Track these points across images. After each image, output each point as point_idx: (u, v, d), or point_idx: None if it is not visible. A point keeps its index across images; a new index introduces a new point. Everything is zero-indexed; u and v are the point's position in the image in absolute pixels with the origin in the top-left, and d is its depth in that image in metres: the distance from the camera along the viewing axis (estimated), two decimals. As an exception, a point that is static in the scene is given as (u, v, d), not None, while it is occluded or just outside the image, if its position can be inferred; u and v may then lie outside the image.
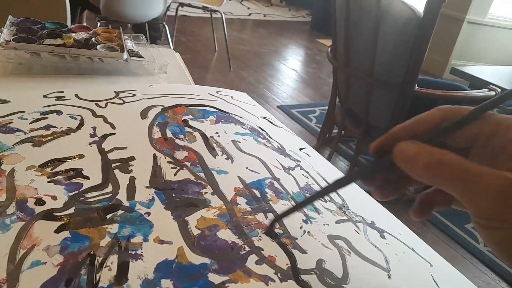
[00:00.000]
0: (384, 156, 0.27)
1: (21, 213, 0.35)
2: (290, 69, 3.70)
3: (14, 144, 0.44)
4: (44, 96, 0.55)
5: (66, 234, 0.34)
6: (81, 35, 0.65)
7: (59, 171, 0.41)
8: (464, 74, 2.23)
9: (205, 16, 4.38)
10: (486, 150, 0.25)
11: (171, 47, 1.99)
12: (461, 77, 2.27)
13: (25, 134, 0.46)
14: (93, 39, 0.65)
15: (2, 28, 0.62)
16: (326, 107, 2.23)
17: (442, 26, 1.49)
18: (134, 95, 0.60)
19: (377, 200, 0.38)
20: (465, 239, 1.76)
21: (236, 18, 4.93)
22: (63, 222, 0.35)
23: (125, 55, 0.66)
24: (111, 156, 0.45)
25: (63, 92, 0.57)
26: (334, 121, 2.09)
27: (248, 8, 5.44)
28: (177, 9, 3.24)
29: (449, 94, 1.59)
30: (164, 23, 2.74)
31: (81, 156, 0.44)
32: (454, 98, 1.59)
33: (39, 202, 0.37)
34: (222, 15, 3.20)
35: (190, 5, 3.11)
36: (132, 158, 0.45)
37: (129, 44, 0.70)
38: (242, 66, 3.47)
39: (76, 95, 0.57)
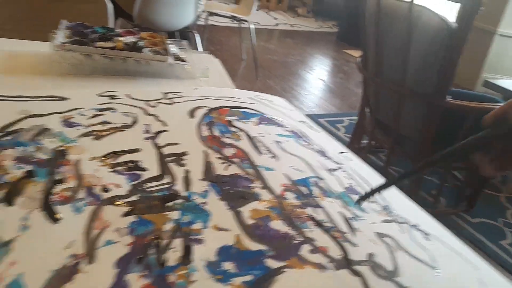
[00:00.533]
0: (501, 124, 0.27)
1: (90, 198, 0.38)
2: (316, 78, 3.71)
3: (76, 137, 0.47)
4: (99, 95, 0.59)
5: (132, 218, 0.36)
6: (130, 39, 0.69)
7: (119, 162, 0.44)
8: (497, 87, 2.19)
9: (233, 25, 4.45)
10: None
11: (202, 54, 2.03)
12: (494, 90, 2.23)
13: (85, 128, 0.49)
14: (141, 43, 0.69)
15: (56, 31, 0.67)
16: (354, 117, 2.23)
17: (473, 39, 1.49)
18: (180, 96, 0.63)
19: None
20: (501, 256, 1.72)
21: (263, 28, 4.99)
22: (129, 208, 0.38)
23: (170, 58, 0.69)
24: (165, 151, 0.48)
25: (115, 91, 0.61)
26: (364, 131, 2.08)
27: (275, 19, 5.49)
28: (206, 18, 3.31)
29: (481, 106, 1.57)
30: (194, 31, 2.81)
31: (137, 150, 0.47)
32: (487, 110, 1.56)
33: (105, 189, 0.40)
34: (250, 25, 3.24)
35: (218, 15, 3.18)
36: (184, 153, 0.48)
37: (173, 48, 0.73)
38: (269, 75, 3.50)
39: (128, 95, 0.60)
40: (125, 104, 0.57)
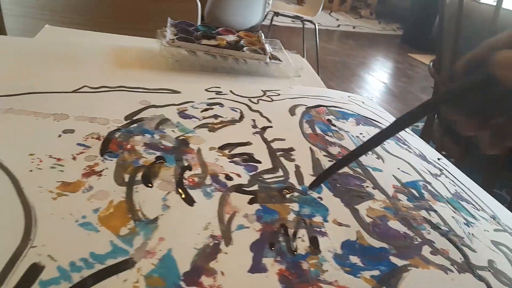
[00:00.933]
0: (476, 71, 0.23)
1: (217, 185, 0.41)
2: (378, 81, 3.63)
3: (194, 128, 0.51)
4: (206, 90, 0.62)
5: (257, 206, 0.39)
6: (231, 38, 0.73)
7: (235, 154, 0.47)
8: None
9: (293, 26, 4.46)
10: None
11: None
12: None
13: (199, 120, 0.53)
14: (242, 41, 0.72)
15: (165, 28, 0.71)
16: (418, 123, 2.15)
17: None
18: (278, 94, 0.66)
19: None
20: None
21: (325, 29, 4.95)
22: (252, 196, 0.40)
23: (268, 58, 0.72)
24: (274, 145, 0.50)
25: (219, 87, 0.64)
26: (430, 138, 2.01)
27: (337, 20, 5.43)
28: (272, 19, 3.35)
29: None
30: (260, 31, 2.86)
31: (249, 143, 0.50)
32: None
33: (228, 177, 0.42)
34: (315, 25, 3.24)
35: (283, 15, 3.19)
36: (292, 149, 0.50)
37: (267, 47, 0.76)
38: (330, 76, 3.48)
39: (231, 91, 0.63)
40: (231, 100, 0.60)
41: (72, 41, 0.73)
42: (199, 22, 1.10)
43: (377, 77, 3.73)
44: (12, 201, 0.34)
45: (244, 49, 0.72)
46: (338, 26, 5.18)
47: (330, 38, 4.75)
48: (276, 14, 3.22)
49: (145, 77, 0.64)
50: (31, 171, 0.38)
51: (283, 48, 0.81)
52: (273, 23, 3.45)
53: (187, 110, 0.55)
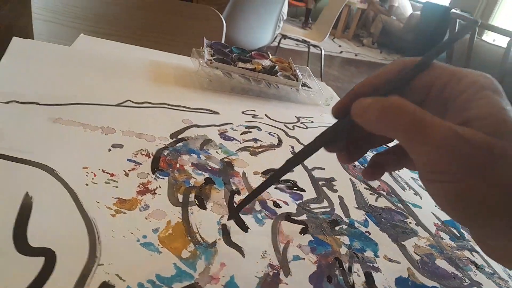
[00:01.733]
0: (345, 117, 0.26)
1: (267, 212, 0.41)
2: (379, 110, 3.67)
3: (236, 151, 0.51)
4: (242, 112, 0.63)
5: (309, 237, 0.39)
6: (266, 63, 0.74)
7: (279, 180, 0.47)
8: None
9: (298, 49, 4.53)
10: (439, 102, 0.25)
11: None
12: None
13: (240, 143, 0.53)
14: (277, 67, 0.73)
15: (202, 48, 0.72)
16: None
17: None
18: (312, 121, 0.67)
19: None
20: None
21: (327, 54, 5.03)
22: (303, 226, 0.40)
23: (300, 84, 0.73)
24: (314, 174, 0.51)
25: (255, 110, 0.65)
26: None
27: (340, 46, 5.53)
28: (279, 41, 3.40)
29: None
30: (269, 52, 2.90)
31: (291, 170, 0.50)
32: None
33: (276, 204, 0.43)
34: (321, 50, 3.29)
35: (291, 38, 3.25)
36: (333, 179, 0.51)
37: (299, 74, 0.77)
38: (333, 102, 3.52)
39: (266, 115, 0.64)
40: (267, 124, 0.61)
41: (108, 52, 0.74)
42: (223, 41, 1.12)
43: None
44: (73, 214, 0.34)
45: (278, 74, 0.73)
46: (341, 52, 5.27)
47: (332, 63, 4.82)
48: (284, 36, 3.28)
49: (182, 95, 0.65)
50: (87, 185, 0.38)
51: (312, 75, 0.82)
52: (281, 45, 3.51)
53: (227, 132, 0.55)
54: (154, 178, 0.42)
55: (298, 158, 0.29)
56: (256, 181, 0.46)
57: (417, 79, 0.25)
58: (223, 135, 0.54)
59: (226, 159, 0.49)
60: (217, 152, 0.50)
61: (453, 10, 2.26)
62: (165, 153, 0.47)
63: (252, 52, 0.79)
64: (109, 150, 0.45)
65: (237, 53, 0.75)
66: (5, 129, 0.43)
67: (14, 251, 0.29)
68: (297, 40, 3.31)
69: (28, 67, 0.59)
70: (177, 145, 0.49)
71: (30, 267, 0.29)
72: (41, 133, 0.44)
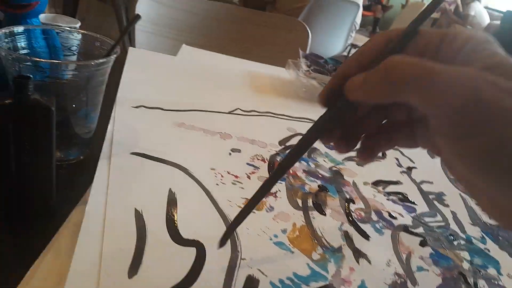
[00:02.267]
0: (336, 101, 0.24)
1: (384, 222, 0.42)
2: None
3: (342, 160, 0.53)
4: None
5: (429, 249, 0.39)
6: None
7: (390, 192, 0.48)
8: None
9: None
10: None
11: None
12: None
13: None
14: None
15: (299, 59, 0.75)
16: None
17: None
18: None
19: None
20: None
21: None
22: (421, 238, 0.41)
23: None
24: (423, 187, 0.51)
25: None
26: None
27: (409, 57, 5.36)
28: (349, 51, 3.37)
29: None
30: (338, 62, 2.88)
31: (400, 183, 0.50)
32: None
33: (391, 215, 0.43)
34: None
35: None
36: (443, 194, 0.50)
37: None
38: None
39: (365, 126, 0.65)
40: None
41: (209, 62, 0.79)
42: (307, 51, 1.14)
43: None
44: (210, 210, 0.38)
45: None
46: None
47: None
48: (354, 46, 3.24)
49: (283, 104, 0.67)
50: (217, 184, 0.42)
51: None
52: (350, 55, 3.47)
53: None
54: (273, 182, 0.44)
55: (293, 157, 0.27)
56: (368, 191, 0.47)
57: (407, 49, 0.23)
58: (326, 144, 0.56)
59: (334, 168, 0.50)
60: (324, 160, 0.51)
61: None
62: (278, 159, 0.49)
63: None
64: (230, 154, 0.48)
65: (332, 64, 0.77)
66: (140, 131, 0.48)
67: (170, 240, 0.33)
68: (367, 50, 3.26)
69: (146, 75, 0.65)
70: (287, 152, 0.51)
71: (184, 256, 0.32)
72: (170, 136, 0.48)
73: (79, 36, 0.43)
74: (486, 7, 5.80)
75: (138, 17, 0.37)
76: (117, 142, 0.44)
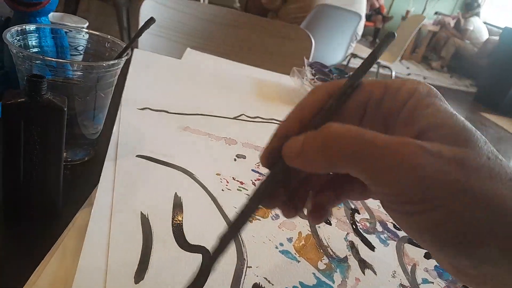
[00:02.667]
0: (277, 164, 0.22)
1: (388, 233, 0.42)
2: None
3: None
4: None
5: (434, 262, 0.39)
6: (366, 84, 0.75)
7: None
8: None
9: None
10: (378, 120, 0.21)
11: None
12: None
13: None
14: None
15: (304, 68, 0.75)
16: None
17: None
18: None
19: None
20: None
21: (394, 76, 4.91)
22: (426, 250, 0.41)
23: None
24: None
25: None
26: None
27: (408, 68, 5.38)
28: (349, 60, 3.39)
29: None
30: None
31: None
32: None
33: (396, 226, 0.43)
34: (392, 72, 3.24)
35: (363, 58, 3.22)
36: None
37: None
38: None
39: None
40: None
41: (214, 67, 0.79)
42: (310, 59, 1.15)
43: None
44: (216, 216, 0.38)
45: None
46: (409, 74, 5.13)
47: (399, 85, 4.71)
48: (354, 56, 3.26)
49: (287, 112, 0.68)
50: (222, 190, 0.41)
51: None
52: (349, 64, 3.50)
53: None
54: (279, 190, 0.44)
55: (234, 230, 0.23)
56: (372, 201, 0.47)
57: (349, 102, 0.22)
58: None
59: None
60: (330, 169, 0.51)
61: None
62: (284, 167, 0.49)
63: (351, 73, 0.80)
64: (235, 159, 0.48)
65: (336, 73, 0.77)
66: (146, 133, 0.48)
67: (176, 246, 0.33)
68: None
69: (151, 77, 0.65)
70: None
71: (190, 262, 0.32)
72: (175, 139, 0.48)
73: (87, 36, 0.43)
74: (485, 23, 5.87)
75: (152, 20, 0.37)
76: (123, 144, 0.44)
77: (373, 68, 3.65)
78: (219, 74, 0.75)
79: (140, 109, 0.53)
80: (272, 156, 0.22)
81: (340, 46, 2.58)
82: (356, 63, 4.21)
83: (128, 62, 0.68)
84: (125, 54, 0.38)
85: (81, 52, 0.45)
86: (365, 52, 3.37)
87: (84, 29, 0.44)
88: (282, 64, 1.01)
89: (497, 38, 5.15)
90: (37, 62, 0.34)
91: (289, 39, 1.15)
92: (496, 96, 4.45)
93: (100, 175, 0.39)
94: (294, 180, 0.24)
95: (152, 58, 0.74)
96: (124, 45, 0.40)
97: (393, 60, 3.15)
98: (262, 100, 0.68)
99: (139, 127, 0.49)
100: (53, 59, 0.34)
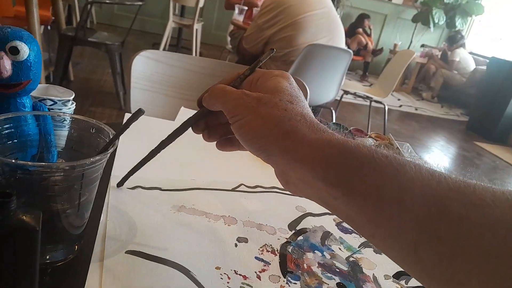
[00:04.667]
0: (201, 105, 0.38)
1: (414, 332, 0.37)
2: (444, 169, 3.49)
3: (359, 247, 0.48)
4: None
5: None
6: (370, 141, 0.72)
7: (414, 286, 0.43)
8: None
9: (355, 102, 4.51)
10: (256, 88, 0.35)
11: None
12: None
13: (360, 236, 0.50)
14: (382, 146, 0.71)
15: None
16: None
17: None
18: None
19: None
20: None
21: (387, 109, 4.95)
22: None
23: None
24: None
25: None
26: None
27: (399, 100, 5.43)
28: (341, 96, 3.40)
29: None
30: (332, 108, 2.89)
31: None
32: None
33: (420, 321, 0.38)
34: (385, 106, 3.25)
35: (355, 94, 3.24)
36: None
37: (402, 152, 0.74)
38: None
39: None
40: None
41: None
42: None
43: (443, 165, 3.60)
44: (218, 330, 0.33)
45: (381, 153, 0.70)
46: (400, 106, 5.17)
47: (392, 117, 4.72)
48: (346, 92, 3.28)
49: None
50: (224, 290, 0.37)
51: (413, 150, 0.79)
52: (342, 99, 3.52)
53: (343, 222, 0.53)
54: (286, 283, 0.40)
55: (170, 138, 0.40)
56: (389, 286, 0.42)
57: (246, 80, 0.36)
58: (340, 226, 0.51)
59: (351, 258, 0.46)
60: (339, 248, 0.47)
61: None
62: (290, 250, 0.45)
63: (351, 128, 0.77)
64: (236, 245, 0.43)
65: (335, 129, 0.74)
66: (137, 220, 0.43)
67: None
68: (359, 96, 3.30)
69: (143, 144, 0.61)
70: (298, 239, 0.47)
71: None
72: (169, 225, 0.44)
73: (73, 107, 0.40)
74: (471, 53, 6.00)
75: (140, 112, 0.33)
76: (111, 238, 0.39)
77: (366, 103, 3.67)
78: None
79: (131, 188, 0.49)
80: (199, 101, 0.38)
81: (333, 85, 2.59)
82: (346, 98, 4.26)
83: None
84: (111, 146, 0.34)
85: (67, 126, 0.41)
86: (358, 88, 3.40)
87: (67, 115, 0.40)
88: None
89: (484, 67, 5.25)
90: (10, 166, 0.30)
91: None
92: (488, 124, 4.48)
93: (85, 279, 0.34)
94: (213, 122, 0.39)
95: (143, 122, 0.71)
96: (111, 133, 0.36)
97: (385, 96, 3.17)
98: (261, 165, 0.64)
99: (129, 212, 0.44)
100: (28, 163, 0.29)
